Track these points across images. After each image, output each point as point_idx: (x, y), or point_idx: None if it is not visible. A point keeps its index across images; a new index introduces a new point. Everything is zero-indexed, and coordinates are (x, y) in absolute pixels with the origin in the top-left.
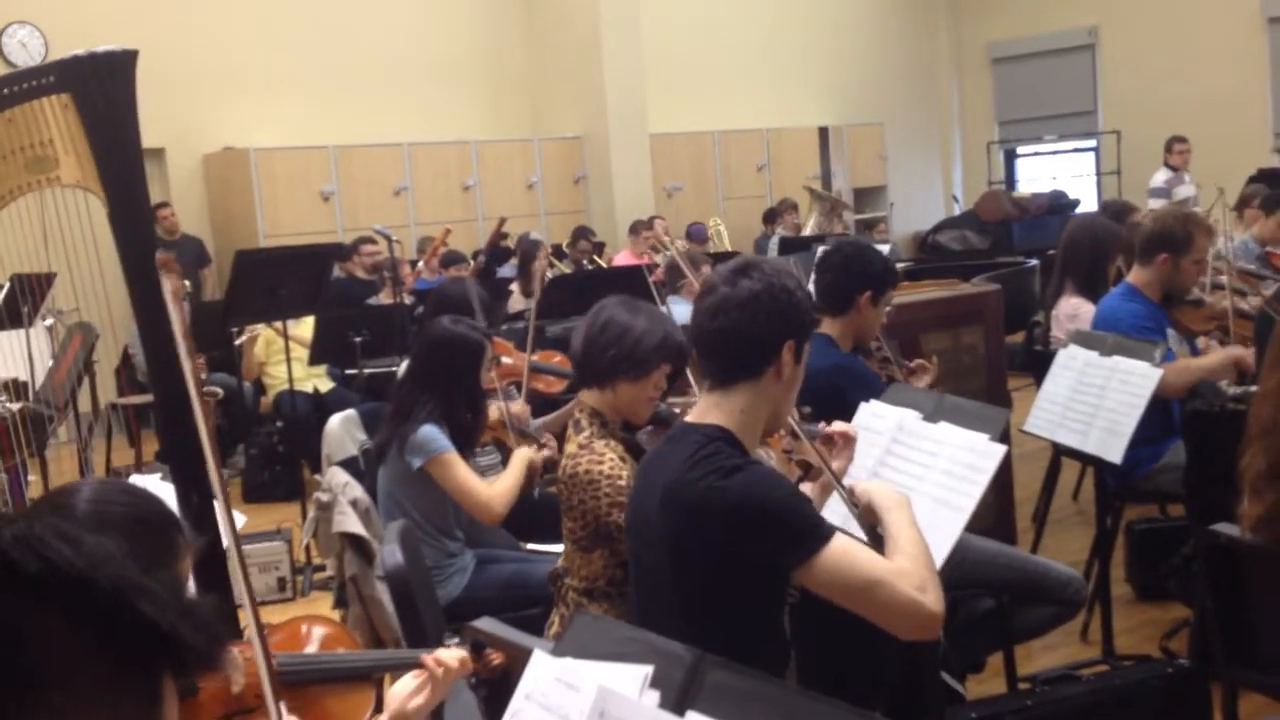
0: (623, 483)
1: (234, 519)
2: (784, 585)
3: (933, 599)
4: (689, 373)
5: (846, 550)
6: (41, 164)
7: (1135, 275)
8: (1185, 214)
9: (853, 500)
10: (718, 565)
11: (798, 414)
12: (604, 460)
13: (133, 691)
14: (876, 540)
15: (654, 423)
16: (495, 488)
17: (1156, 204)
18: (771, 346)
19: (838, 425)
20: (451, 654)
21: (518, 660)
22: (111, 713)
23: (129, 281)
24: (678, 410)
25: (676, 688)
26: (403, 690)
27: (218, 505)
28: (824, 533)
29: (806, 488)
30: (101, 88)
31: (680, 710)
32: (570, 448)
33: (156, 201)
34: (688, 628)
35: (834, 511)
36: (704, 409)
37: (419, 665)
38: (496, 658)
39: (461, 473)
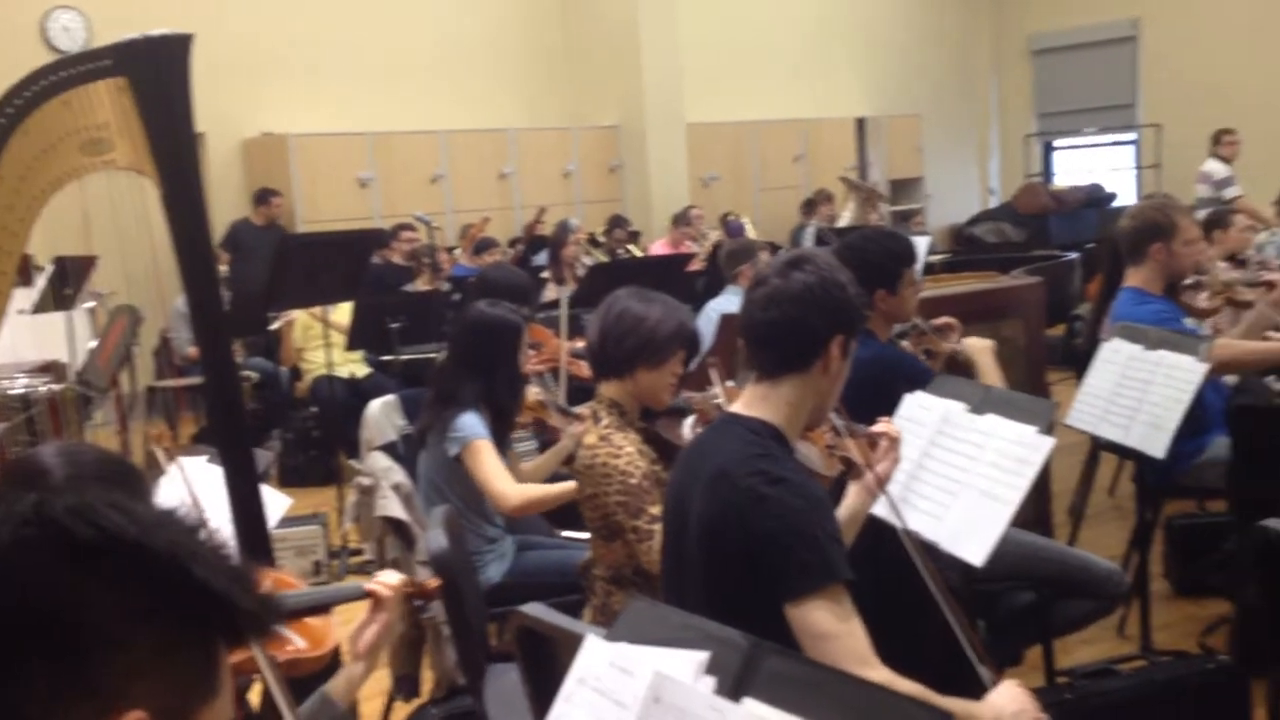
0: (634, 482)
1: (279, 501)
2: None
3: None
4: (710, 371)
5: (839, 613)
6: (97, 146)
7: (1133, 277)
8: (1158, 202)
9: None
10: (740, 559)
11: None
12: (620, 454)
13: (189, 654)
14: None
15: (668, 413)
16: (525, 489)
17: (1202, 190)
18: (821, 340)
19: (881, 425)
20: (391, 575)
21: (568, 646)
22: (170, 676)
23: (181, 264)
24: (695, 404)
25: (732, 674)
26: (357, 629)
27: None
28: (827, 577)
29: (850, 486)
30: (157, 71)
31: (736, 697)
32: (590, 439)
33: (269, 188)
34: (720, 619)
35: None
36: (750, 400)
37: (365, 595)
38: (433, 581)
39: (487, 462)
